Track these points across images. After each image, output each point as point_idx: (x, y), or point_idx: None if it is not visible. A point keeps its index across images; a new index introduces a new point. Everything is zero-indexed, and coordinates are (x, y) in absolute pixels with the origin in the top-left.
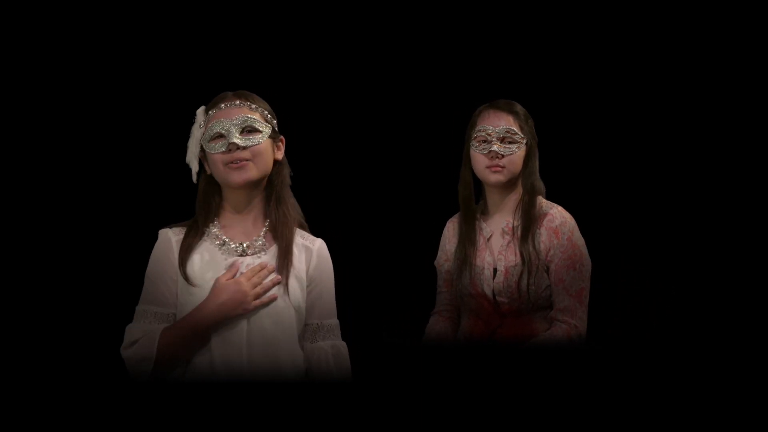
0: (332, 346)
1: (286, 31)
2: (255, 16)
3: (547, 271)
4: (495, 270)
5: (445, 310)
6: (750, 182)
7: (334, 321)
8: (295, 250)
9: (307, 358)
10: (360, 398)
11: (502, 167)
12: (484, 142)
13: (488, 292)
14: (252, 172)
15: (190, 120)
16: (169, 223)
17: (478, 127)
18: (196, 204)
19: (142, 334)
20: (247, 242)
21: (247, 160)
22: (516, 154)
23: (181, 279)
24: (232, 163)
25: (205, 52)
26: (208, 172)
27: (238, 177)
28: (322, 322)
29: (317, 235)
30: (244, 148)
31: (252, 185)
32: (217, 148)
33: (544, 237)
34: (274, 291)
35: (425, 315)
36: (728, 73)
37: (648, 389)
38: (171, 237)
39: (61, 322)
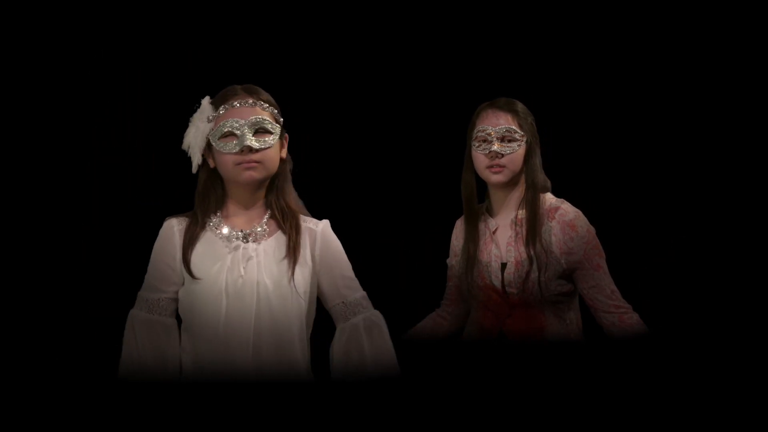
0: (364, 319)
1: (290, 30)
2: (261, 13)
3: (573, 267)
4: (503, 264)
5: (443, 305)
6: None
7: (359, 294)
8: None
9: (341, 338)
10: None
11: (503, 167)
12: (485, 141)
13: (497, 284)
14: (261, 173)
15: (190, 111)
16: (164, 216)
17: (479, 128)
18: (195, 195)
19: (133, 334)
20: (248, 230)
21: (258, 162)
22: (516, 152)
23: (185, 270)
24: (242, 163)
25: (207, 47)
26: (212, 165)
27: (247, 176)
28: (346, 300)
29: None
30: (258, 150)
31: (258, 183)
32: (230, 148)
33: (556, 230)
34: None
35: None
36: (733, 68)
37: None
38: (174, 225)
39: (62, 317)
